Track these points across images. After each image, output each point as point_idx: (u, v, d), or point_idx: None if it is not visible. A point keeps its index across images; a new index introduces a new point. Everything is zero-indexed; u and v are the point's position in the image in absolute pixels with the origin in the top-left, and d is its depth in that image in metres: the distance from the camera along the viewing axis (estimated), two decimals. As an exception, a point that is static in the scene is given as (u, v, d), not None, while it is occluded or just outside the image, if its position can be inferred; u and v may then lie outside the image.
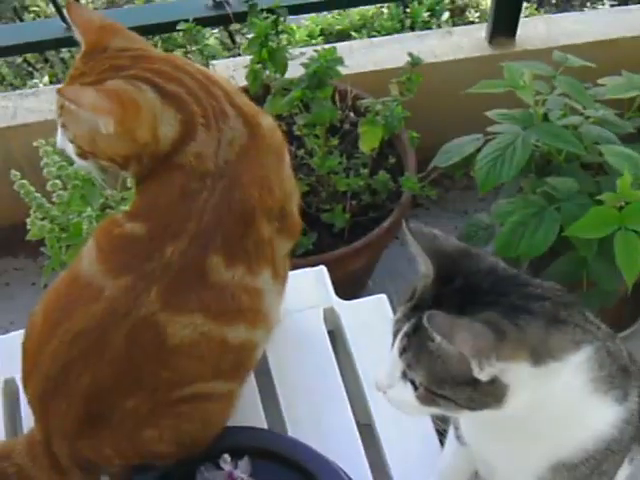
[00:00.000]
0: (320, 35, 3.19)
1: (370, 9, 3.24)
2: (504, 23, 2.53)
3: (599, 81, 2.13)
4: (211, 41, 3.13)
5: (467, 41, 2.58)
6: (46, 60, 3.25)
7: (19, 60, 3.25)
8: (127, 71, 1.24)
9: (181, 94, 1.24)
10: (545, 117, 1.98)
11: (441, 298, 1.04)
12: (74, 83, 1.25)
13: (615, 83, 2.12)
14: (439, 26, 3.22)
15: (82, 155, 1.30)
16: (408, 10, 3.23)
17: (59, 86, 1.27)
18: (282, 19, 2.04)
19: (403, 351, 1.05)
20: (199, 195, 1.22)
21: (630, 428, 1.14)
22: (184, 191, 1.23)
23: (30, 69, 3.26)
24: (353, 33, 3.19)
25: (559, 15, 3.05)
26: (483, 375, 0.98)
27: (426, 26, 3.21)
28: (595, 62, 2.13)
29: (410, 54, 2.03)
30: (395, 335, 1.07)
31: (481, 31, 2.60)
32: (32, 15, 3.33)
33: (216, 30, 3.18)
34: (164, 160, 1.24)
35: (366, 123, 1.93)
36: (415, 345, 1.03)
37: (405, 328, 1.05)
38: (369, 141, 1.93)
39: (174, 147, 1.24)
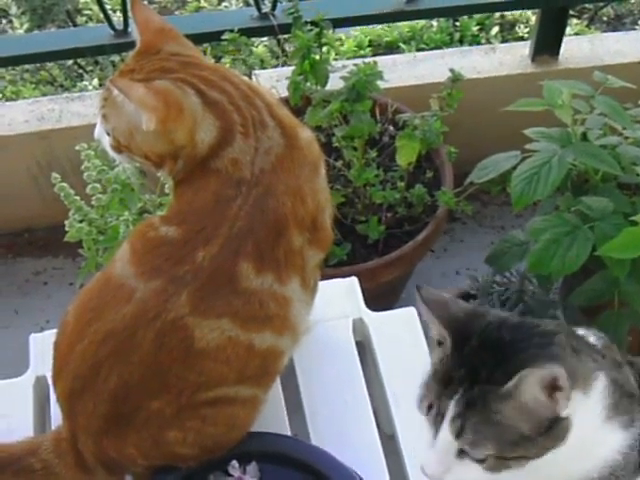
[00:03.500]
0: (369, 46, 3.21)
1: (420, 22, 3.26)
2: (548, 41, 2.54)
3: (640, 102, 2.13)
4: (260, 49, 3.17)
5: (510, 58, 2.59)
6: (96, 63, 3.31)
7: (70, 62, 3.30)
8: (175, 74, 1.27)
9: (223, 102, 1.27)
10: (584, 136, 1.99)
11: (471, 364, 1.05)
12: (123, 78, 1.28)
13: (656, 105, 2.12)
14: (488, 40, 3.22)
15: (117, 148, 1.33)
16: (457, 24, 3.24)
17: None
18: (326, 32, 2.06)
19: (460, 433, 1.03)
20: (233, 201, 1.24)
21: (634, 454, 1.13)
22: (219, 197, 1.25)
23: (80, 71, 3.31)
24: (402, 45, 3.21)
25: (603, 34, 3.05)
26: (566, 411, 1.00)
27: (475, 40, 3.22)
28: (638, 82, 2.13)
29: (451, 70, 2.05)
30: (436, 419, 1.06)
31: (525, 48, 2.60)
32: (84, 18, 3.40)
33: (266, 38, 3.21)
34: (201, 165, 1.27)
35: (404, 137, 1.94)
36: (475, 422, 1.02)
37: (452, 410, 1.04)
38: (406, 155, 1.94)
39: (211, 152, 1.26)
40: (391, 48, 3.25)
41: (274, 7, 2.25)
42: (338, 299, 1.64)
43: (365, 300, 1.66)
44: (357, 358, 1.56)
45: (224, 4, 3.40)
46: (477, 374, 1.03)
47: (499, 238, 2.15)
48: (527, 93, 1.98)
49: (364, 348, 1.62)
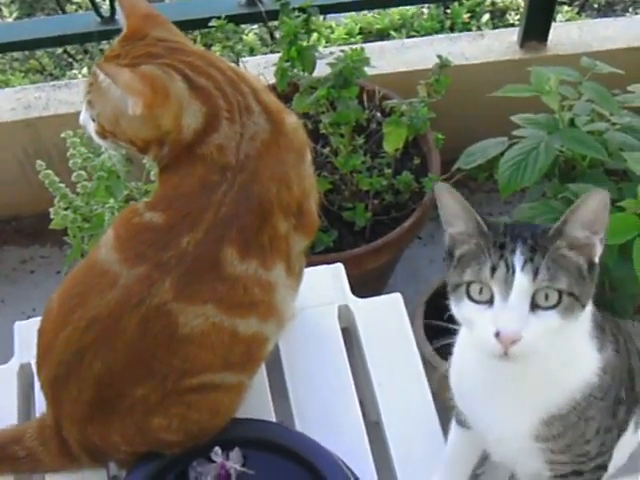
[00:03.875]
0: (359, 34, 3.21)
1: (410, 9, 3.26)
2: (536, 28, 2.53)
3: (629, 88, 2.12)
4: (250, 37, 3.17)
5: (498, 44, 2.58)
6: (86, 51, 3.29)
7: (59, 50, 3.29)
8: (161, 59, 1.27)
9: (209, 88, 1.27)
10: (572, 122, 1.98)
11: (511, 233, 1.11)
12: (108, 63, 1.28)
13: (643, 90, 2.11)
14: (479, 28, 3.22)
15: (102, 134, 1.33)
16: (448, 11, 3.24)
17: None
18: (314, 18, 2.05)
19: (535, 274, 1.06)
20: (218, 187, 1.24)
21: (607, 377, 1.21)
22: (204, 182, 1.25)
23: (70, 60, 3.30)
24: (392, 32, 3.20)
25: (592, 20, 3.05)
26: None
27: (466, 28, 3.22)
28: (627, 68, 2.12)
29: (439, 56, 2.04)
30: (506, 276, 1.06)
31: (513, 35, 2.60)
32: (74, 7, 3.38)
33: (255, 26, 3.20)
34: (186, 150, 1.27)
35: (390, 123, 1.93)
36: (544, 261, 1.06)
37: (520, 258, 1.07)
38: (393, 141, 1.94)
39: (197, 138, 1.26)
40: (381, 35, 3.25)
41: (262, -7, 2.25)
42: (324, 286, 1.64)
43: (352, 287, 1.66)
44: (342, 345, 1.56)
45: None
46: (521, 235, 1.09)
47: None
48: (515, 79, 1.97)
49: (350, 334, 1.62)
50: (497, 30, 2.83)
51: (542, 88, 1.87)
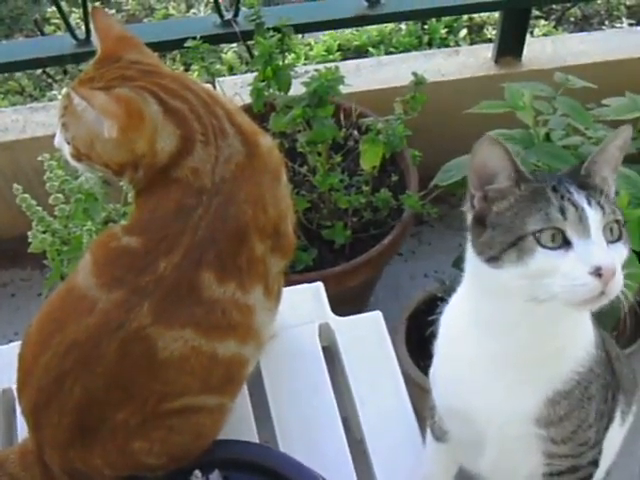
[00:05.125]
0: (338, 51, 3.23)
1: (388, 25, 3.28)
2: (510, 43, 2.56)
3: (603, 101, 2.14)
4: (229, 55, 3.18)
5: (473, 60, 2.60)
6: (65, 72, 3.30)
7: (39, 71, 3.29)
8: (135, 82, 1.28)
9: (183, 111, 1.28)
10: (547, 137, 2.00)
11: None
12: (83, 86, 1.28)
13: (619, 104, 2.13)
14: (457, 43, 3.24)
15: (77, 157, 1.33)
16: (426, 27, 3.26)
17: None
18: (289, 37, 2.06)
19: (603, 209, 1.06)
20: (194, 210, 1.24)
21: (601, 353, 1.24)
22: (180, 206, 1.25)
23: (50, 80, 3.30)
24: (371, 49, 3.22)
25: (566, 35, 3.08)
26: None
27: (443, 43, 3.24)
28: (601, 82, 2.14)
29: (414, 73, 2.05)
30: (581, 217, 1.05)
31: (488, 51, 2.62)
32: (53, 27, 3.38)
33: (234, 44, 3.22)
34: (162, 174, 1.27)
35: (367, 141, 1.95)
36: (602, 197, 1.07)
37: (580, 197, 1.06)
38: (370, 159, 1.95)
39: (172, 161, 1.26)
40: (360, 52, 3.27)
41: (236, 14, 2.26)
42: (304, 305, 1.64)
43: (333, 305, 1.67)
44: (324, 363, 1.57)
45: (192, 11, 3.41)
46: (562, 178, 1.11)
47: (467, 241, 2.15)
48: (491, 95, 1.99)
49: (331, 353, 1.62)
50: (472, 46, 2.85)
51: (516, 104, 1.88)
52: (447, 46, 3.21)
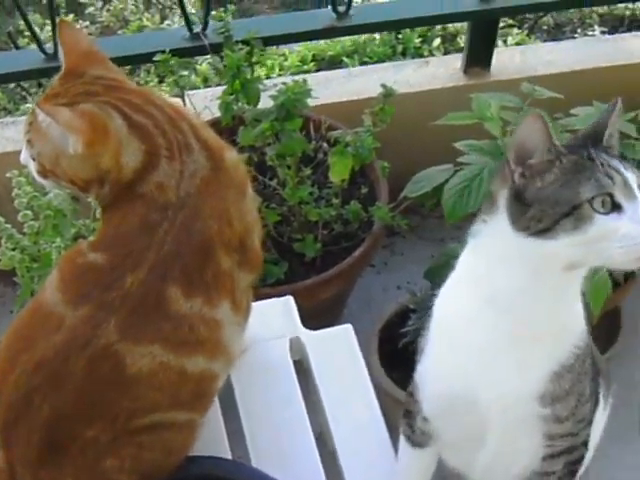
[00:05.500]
0: (312, 61, 3.23)
1: (362, 35, 3.29)
2: (479, 54, 2.57)
3: (572, 111, 2.15)
4: (203, 66, 3.18)
5: (443, 71, 2.61)
6: (40, 85, 3.28)
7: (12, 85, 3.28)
8: (100, 97, 1.28)
9: (148, 126, 1.28)
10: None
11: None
12: (48, 102, 1.28)
13: (586, 114, 2.14)
14: (431, 52, 3.26)
15: (42, 173, 1.33)
16: (400, 36, 3.27)
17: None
18: (257, 50, 2.07)
19: (635, 174, 1.13)
20: (160, 225, 1.24)
21: (589, 329, 1.30)
22: (145, 221, 1.25)
23: (24, 93, 3.28)
24: (345, 59, 3.23)
25: (534, 45, 3.10)
26: None
27: (417, 52, 3.25)
28: (570, 92, 2.15)
29: (383, 85, 2.06)
30: (625, 183, 1.11)
31: (457, 61, 2.63)
32: (27, 40, 3.37)
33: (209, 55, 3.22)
34: (127, 189, 1.27)
35: (336, 154, 1.95)
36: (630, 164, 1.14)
37: (614, 161, 1.13)
38: (339, 172, 1.95)
39: (137, 177, 1.26)
40: (334, 62, 3.28)
41: (205, 27, 2.25)
42: (274, 319, 1.64)
43: (306, 318, 1.67)
44: (295, 377, 1.57)
45: (166, 22, 3.41)
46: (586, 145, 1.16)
47: (439, 251, 2.16)
48: (460, 105, 1.99)
49: (303, 367, 1.62)
50: (442, 57, 2.86)
51: (484, 115, 1.89)
52: (421, 55, 3.22)
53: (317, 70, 3.21)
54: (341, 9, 2.32)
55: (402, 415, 1.47)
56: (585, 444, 1.40)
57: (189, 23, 2.26)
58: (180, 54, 2.14)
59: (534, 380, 1.24)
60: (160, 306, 1.23)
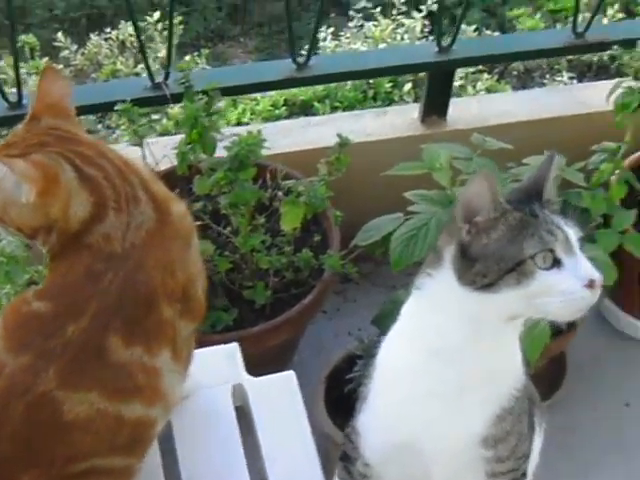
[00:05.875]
0: (284, 105, 3.28)
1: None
2: (436, 103, 2.62)
3: (524, 160, 2.20)
4: (175, 110, 3.20)
5: (400, 121, 2.66)
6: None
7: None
8: (52, 148, 1.31)
9: (97, 178, 1.31)
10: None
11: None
12: (1, 152, 1.31)
13: (536, 163, 2.19)
14: (401, 97, 3.30)
15: None
16: (371, 82, 3.32)
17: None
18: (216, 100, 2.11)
19: (575, 228, 1.20)
20: (104, 275, 1.28)
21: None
22: (90, 271, 1.29)
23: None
24: (316, 104, 3.27)
25: (490, 95, 3.16)
26: None
27: (388, 97, 3.29)
28: (524, 141, 2.20)
29: (339, 135, 2.10)
30: (565, 240, 1.17)
31: (415, 111, 2.67)
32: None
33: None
34: (74, 239, 1.30)
35: (287, 203, 1.99)
36: (570, 219, 1.21)
37: (556, 218, 1.19)
38: (290, 221, 1.99)
39: (84, 227, 1.30)
40: (306, 107, 3.32)
41: (167, 77, 2.30)
42: (218, 366, 1.67)
43: (255, 364, 1.70)
44: (236, 424, 1.59)
45: (140, 66, 3.45)
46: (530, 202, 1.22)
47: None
48: (417, 154, 2.04)
49: (245, 414, 1.65)
50: (399, 106, 2.91)
51: (433, 165, 1.94)
52: (392, 100, 3.27)
53: (289, 115, 3.26)
54: (301, 60, 2.37)
55: (339, 458, 1.50)
56: (524, 474, 1.44)
57: (151, 73, 2.30)
58: (142, 103, 2.19)
59: (478, 425, 1.29)
60: (100, 354, 1.26)
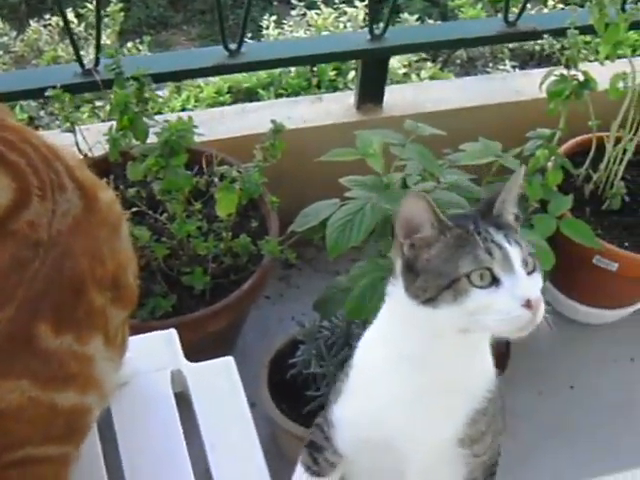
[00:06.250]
0: (228, 93, 3.26)
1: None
2: (371, 90, 2.63)
3: (460, 147, 2.22)
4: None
5: (336, 107, 2.67)
6: None
7: None
8: None
9: (20, 164, 1.27)
10: (404, 182, 2.06)
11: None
12: None
13: (472, 149, 2.21)
14: (345, 85, 3.31)
15: None
16: (315, 69, 3.32)
17: None
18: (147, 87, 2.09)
19: (519, 245, 1.18)
20: (31, 263, 1.25)
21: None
22: (15, 259, 1.25)
23: None
24: (261, 91, 3.27)
25: (426, 83, 3.18)
26: None
27: (332, 85, 3.31)
28: (459, 128, 2.22)
29: (273, 121, 2.09)
30: (504, 256, 1.15)
31: (350, 98, 2.68)
32: None
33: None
34: None
35: (222, 189, 1.97)
36: (515, 234, 1.20)
37: (499, 236, 1.18)
38: (225, 207, 1.97)
39: (7, 214, 1.26)
40: (250, 94, 3.32)
41: (97, 63, 2.27)
42: (157, 351, 1.66)
43: (197, 350, 1.69)
44: (175, 410, 1.58)
45: (82, 53, 3.41)
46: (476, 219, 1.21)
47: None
48: (353, 141, 2.03)
49: (185, 399, 1.64)
50: (335, 93, 2.92)
51: (366, 151, 1.93)
52: (336, 88, 3.28)
53: (233, 102, 3.25)
54: (232, 47, 2.36)
55: (305, 445, 1.50)
56: (497, 463, 1.49)
57: (80, 59, 2.28)
58: (72, 90, 2.16)
59: (452, 427, 1.29)
60: (29, 343, 1.23)
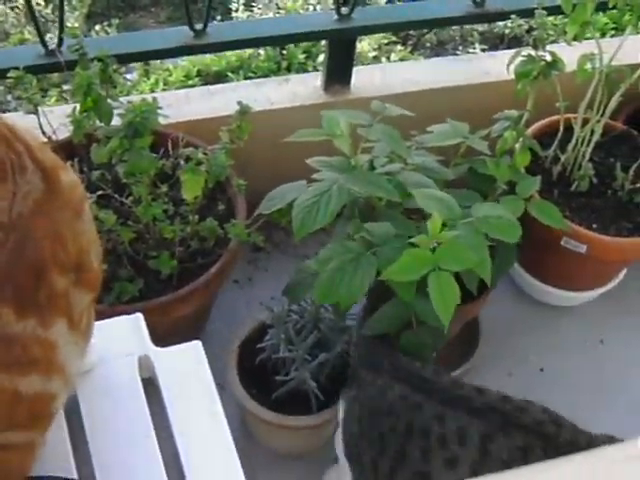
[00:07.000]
0: (197, 76, 3.24)
1: (247, 50, 3.30)
2: (338, 72, 2.61)
3: (428, 128, 2.21)
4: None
5: (303, 89, 2.65)
6: None
7: None
8: None
9: None
10: (372, 164, 2.05)
11: None
12: None
13: (440, 131, 2.21)
14: (315, 68, 3.30)
15: None
16: (284, 52, 3.30)
17: None
18: (111, 68, 2.06)
19: None
20: None
21: None
22: None
23: None
24: (230, 74, 3.25)
25: (395, 64, 3.17)
26: None
27: (302, 67, 3.29)
28: (427, 109, 2.22)
29: (239, 102, 2.07)
30: None
31: (317, 79, 2.66)
32: None
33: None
34: None
35: (187, 172, 1.95)
36: None
37: None
38: (191, 189, 1.95)
39: None
40: (220, 77, 3.29)
41: (60, 44, 2.24)
42: (123, 336, 1.63)
43: (165, 335, 1.66)
44: (143, 395, 1.56)
45: (49, 35, 3.37)
46: None
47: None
48: (320, 123, 2.01)
49: (152, 385, 1.62)
50: (302, 75, 2.90)
51: (333, 132, 1.92)
52: (306, 70, 3.26)
53: (203, 84, 3.23)
54: (198, 27, 2.33)
55: None
56: None
57: (43, 40, 2.24)
58: (35, 71, 2.13)
59: None
60: None
